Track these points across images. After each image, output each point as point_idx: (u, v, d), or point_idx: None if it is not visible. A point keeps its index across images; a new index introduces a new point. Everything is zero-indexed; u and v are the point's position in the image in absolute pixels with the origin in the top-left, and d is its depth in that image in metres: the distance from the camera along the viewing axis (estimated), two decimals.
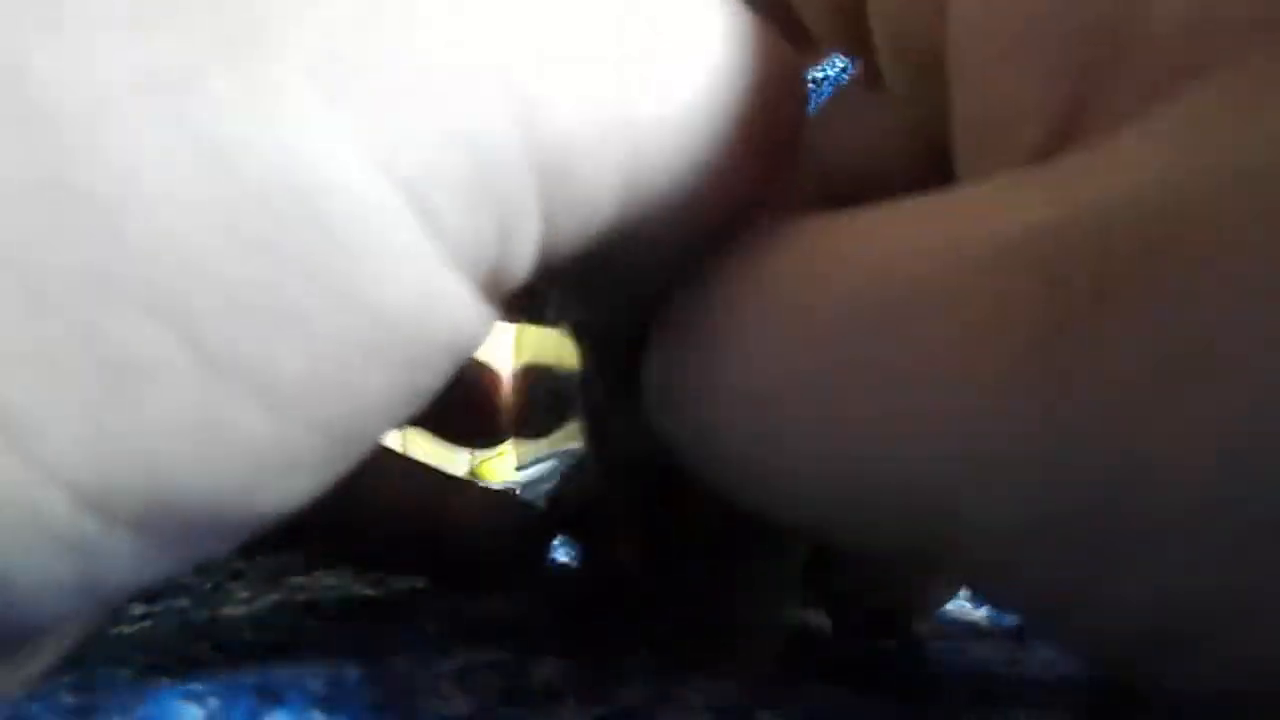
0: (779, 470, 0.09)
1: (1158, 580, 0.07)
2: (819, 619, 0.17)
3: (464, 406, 0.20)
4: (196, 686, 0.12)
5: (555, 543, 0.20)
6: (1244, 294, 0.06)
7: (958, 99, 0.10)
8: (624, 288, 0.11)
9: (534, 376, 0.20)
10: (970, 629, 0.17)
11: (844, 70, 0.53)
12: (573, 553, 0.21)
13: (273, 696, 0.11)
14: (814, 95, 0.55)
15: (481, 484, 0.38)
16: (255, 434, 0.08)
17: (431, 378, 0.09)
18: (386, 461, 0.18)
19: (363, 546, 0.17)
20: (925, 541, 0.08)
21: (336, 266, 0.07)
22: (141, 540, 0.08)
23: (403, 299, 0.08)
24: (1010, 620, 0.18)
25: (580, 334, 0.14)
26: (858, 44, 0.12)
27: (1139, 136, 0.07)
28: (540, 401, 0.20)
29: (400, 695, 0.11)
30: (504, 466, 0.48)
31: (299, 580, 0.19)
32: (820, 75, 0.54)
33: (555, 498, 0.18)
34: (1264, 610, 0.06)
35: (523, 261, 0.09)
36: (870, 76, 0.13)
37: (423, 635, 0.15)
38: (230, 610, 0.16)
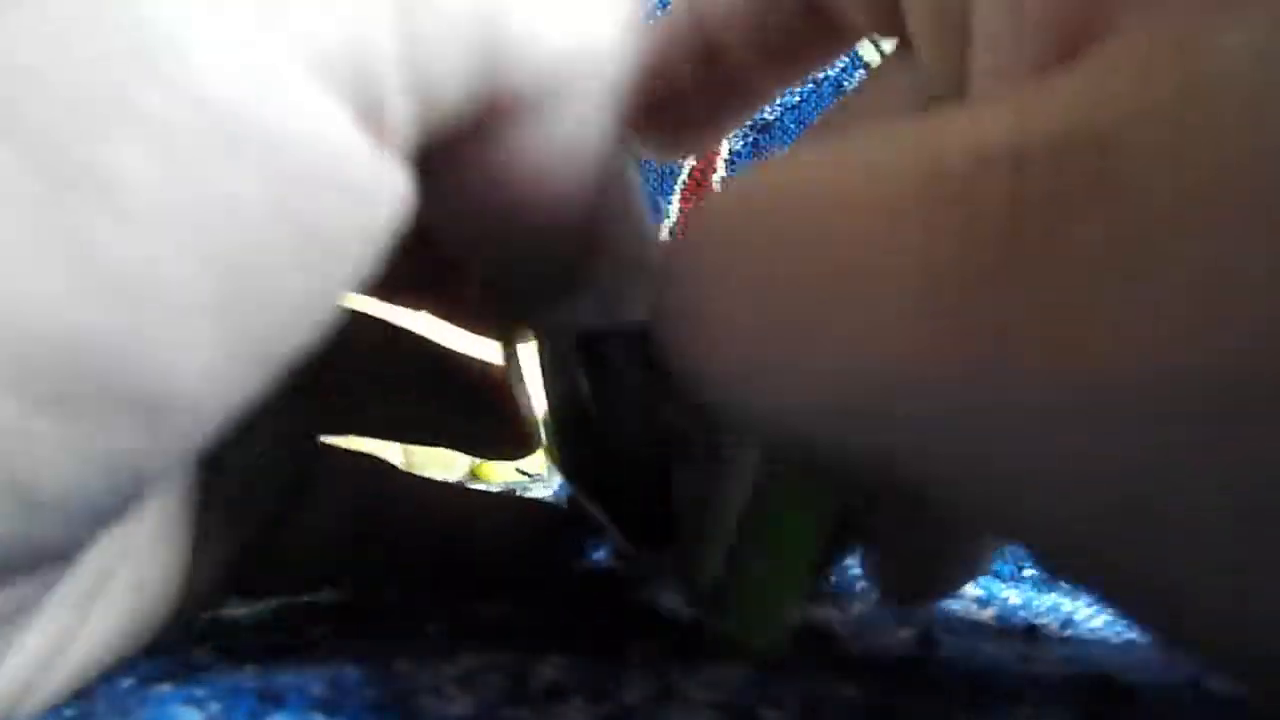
0: (763, 394, 0.09)
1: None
2: (824, 614, 0.17)
3: (493, 416, 0.19)
4: (197, 691, 0.12)
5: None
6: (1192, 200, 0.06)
7: (977, 56, 0.10)
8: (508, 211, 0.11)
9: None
10: (978, 628, 0.17)
11: (844, 70, 0.53)
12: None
13: (273, 700, 0.11)
14: (814, 95, 0.55)
15: (482, 485, 0.38)
16: (124, 259, 0.07)
17: (331, 221, 0.08)
18: (404, 481, 0.18)
19: (389, 561, 0.17)
20: (895, 470, 0.08)
21: (165, 57, 0.07)
22: (59, 425, 0.08)
23: (238, 88, 0.08)
24: (1019, 620, 0.18)
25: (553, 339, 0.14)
26: (887, 21, 0.12)
27: (1098, 56, 0.07)
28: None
29: (402, 696, 0.11)
30: (504, 466, 0.48)
31: None
32: (821, 76, 0.54)
33: (570, 498, 0.18)
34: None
35: (395, 96, 0.09)
36: (899, 58, 0.13)
37: (424, 637, 0.14)
38: (231, 611, 0.16)
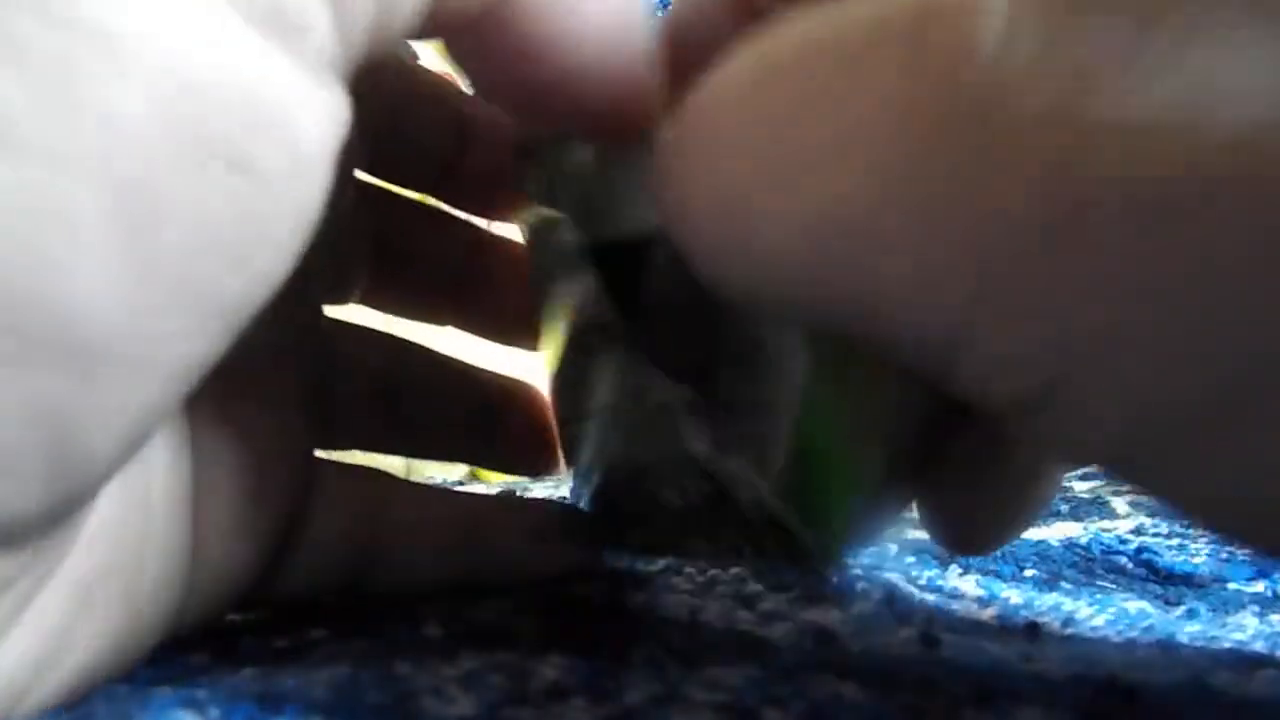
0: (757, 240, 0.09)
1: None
2: (824, 614, 0.17)
3: (520, 432, 0.19)
4: (197, 693, 0.11)
5: None
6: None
7: None
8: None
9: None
10: (979, 627, 0.17)
11: None
12: None
13: (273, 703, 0.11)
14: None
15: (482, 485, 0.37)
16: (17, 184, 0.07)
17: (239, 139, 0.08)
18: (407, 492, 0.17)
19: (394, 574, 0.16)
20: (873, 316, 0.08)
21: None
22: None
23: (114, 7, 0.08)
24: (1020, 619, 0.18)
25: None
26: None
27: None
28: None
29: (403, 698, 0.11)
30: None
31: None
32: None
33: (596, 495, 0.17)
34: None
35: (311, 13, 0.09)
36: None
37: (424, 638, 0.14)
38: (231, 615, 0.16)
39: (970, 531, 0.16)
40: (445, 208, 0.19)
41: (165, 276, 0.08)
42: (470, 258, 0.19)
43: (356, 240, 0.18)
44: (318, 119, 0.09)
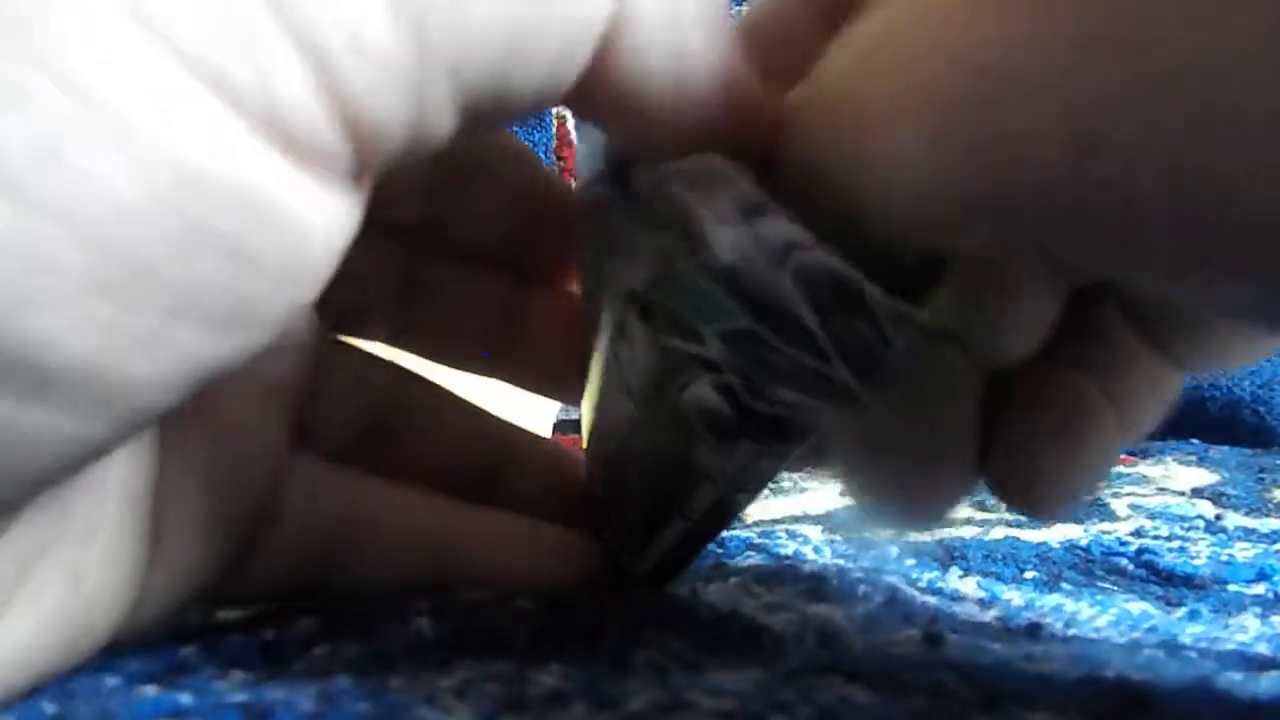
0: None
1: None
2: (827, 614, 0.17)
3: (549, 488, 0.18)
4: (182, 699, 0.11)
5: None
6: None
7: None
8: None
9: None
10: (981, 629, 0.17)
11: None
12: None
13: (260, 716, 0.11)
14: None
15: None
16: (8, 230, 0.08)
17: (231, 230, 0.09)
18: (384, 499, 0.16)
19: (364, 585, 0.16)
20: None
21: (52, 51, 0.08)
22: None
23: (123, 87, 0.08)
24: (1022, 620, 0.18)
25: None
26: None
27: None
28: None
29: (396, 708, 0.11)
30: None
31: None
32: None
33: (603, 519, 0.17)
34: None
35: (314, 124, 0.09)
36: None
37: (419, 641, 0.14)
38: (225, 614, 0.16)
39: (1044, 487, 0.16)
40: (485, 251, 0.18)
41: (139, 334, 0.09)
42: (512, 303, 0.18)
43: (373, 266, 0.17)
44: (324, 225, 0.09)
